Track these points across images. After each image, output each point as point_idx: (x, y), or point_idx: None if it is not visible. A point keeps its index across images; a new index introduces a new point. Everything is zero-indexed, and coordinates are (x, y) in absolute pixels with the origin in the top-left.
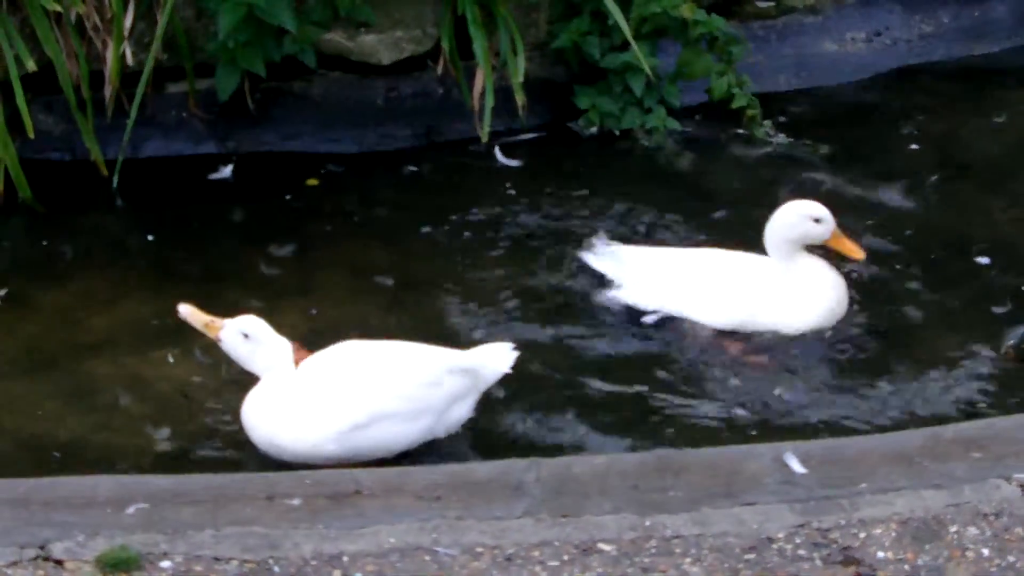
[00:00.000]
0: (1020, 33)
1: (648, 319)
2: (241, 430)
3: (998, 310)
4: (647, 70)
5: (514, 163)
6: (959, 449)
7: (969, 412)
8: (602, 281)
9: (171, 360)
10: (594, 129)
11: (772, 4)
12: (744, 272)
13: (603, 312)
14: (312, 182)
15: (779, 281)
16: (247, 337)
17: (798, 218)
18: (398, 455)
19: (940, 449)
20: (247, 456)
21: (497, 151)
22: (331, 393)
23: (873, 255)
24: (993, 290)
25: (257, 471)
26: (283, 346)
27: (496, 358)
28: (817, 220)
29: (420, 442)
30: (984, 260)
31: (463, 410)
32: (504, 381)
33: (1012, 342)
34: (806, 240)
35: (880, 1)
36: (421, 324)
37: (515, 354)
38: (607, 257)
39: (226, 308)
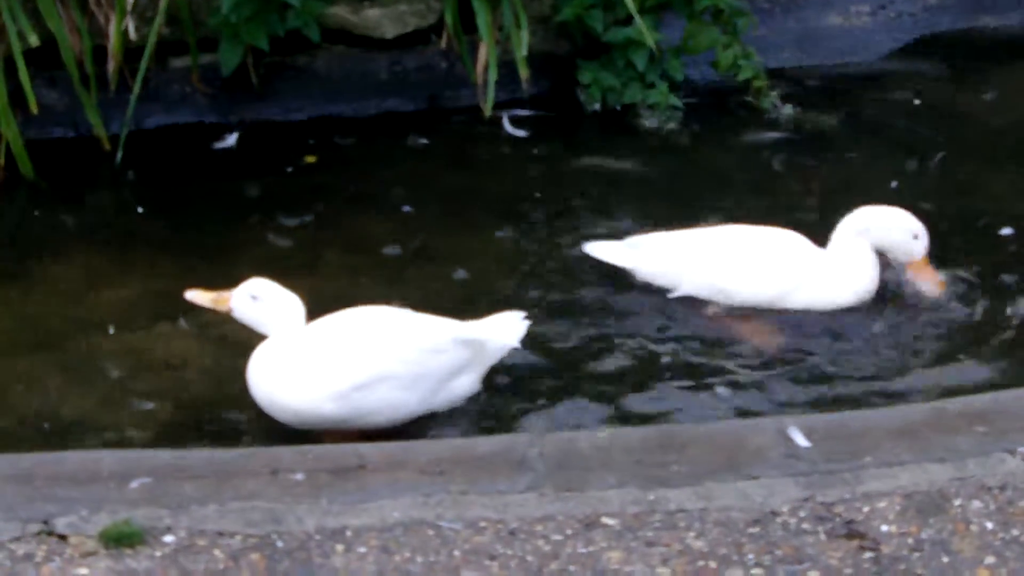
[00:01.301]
0: None
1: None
2: (246, 403)
3: (1009, 279)
4: (651, 43)
5: (521, 133)
6: (964, 423)
7: (975, 385)
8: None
9: (174, 335)
10: (596, 104)
11: None
12: (778, 249)
13: (611, 288)
14: (310, 159)
15: (814, 258)
16: (255, 299)
17: (902, 230)
18: (401, 426)
19: (945, 423)
20: (251, 431)
21: (505, 121)
22: (333, 353)
23: None
24: (1005, 261)
25: (261, 445)
26: (294, 303)
27: (504, 330)
28: (915, 236)
29: (420, 412)
30: (999, 231)
31: (468, 383)
32: (510, 356)
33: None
34: (889, 251)
35: None
36: (429, 296)
37: (525, 324)
38: (621, 249)
39: (231, 283)
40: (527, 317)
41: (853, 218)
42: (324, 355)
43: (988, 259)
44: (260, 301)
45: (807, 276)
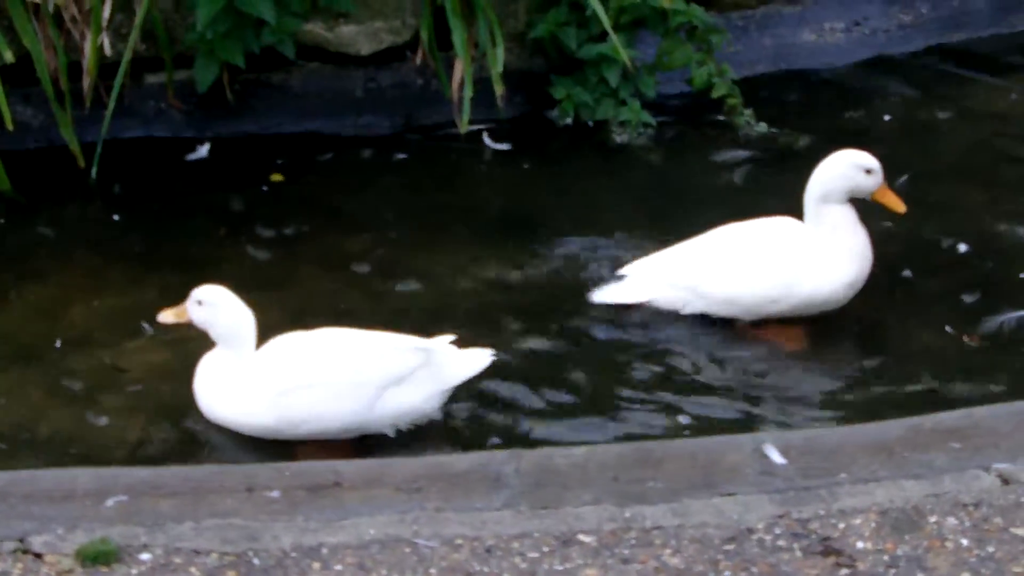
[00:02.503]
0: (998, 22)
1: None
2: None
3: (971, 298)
4: (625, 60)
5: (502, 146)
6: (939, 439)
7: (948, 402)
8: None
9: (149, 349)
10: (569, 119)
11: None
12: (775, 241)
13: (586, 304)
14: (277, 177)
15: (811, 244)
16: (201, 304)
17: (850, 168)
18: (374, 444)
19: (920, 439)
20: (227, 447)
21: (485, 136)
22: (266, 364)
23: None
24: (972, 278)
25: (238, 462)
26: (244, 315)
27: (462, 359)
28: (868, 171)
29: (359, 424)
30: (963, 248)
31: (414, 400)
32: (487, 373)
33: (987, 328)
34: (854, 192)
35: None
36: (400, 313)
37: (488, 360)
38: (625, 287)
39: None
40: (495, 354)
41: (810, 189)
42: (258, 367)
43: (954, 278)
44: (206, 307)
45: (806, 262)
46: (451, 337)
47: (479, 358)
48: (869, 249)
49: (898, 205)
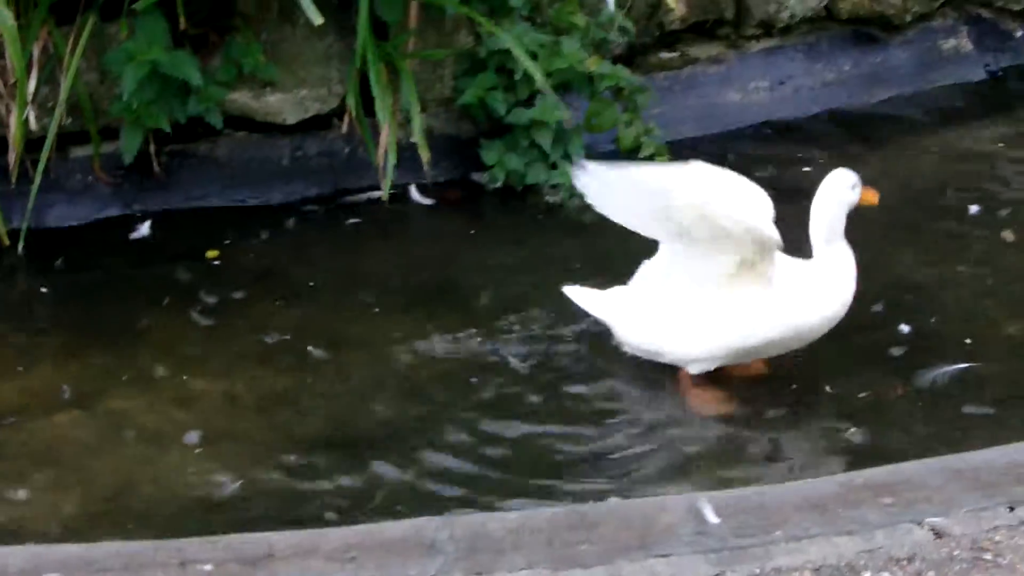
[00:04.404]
0: (920, 79)
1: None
2: (154, 492)
3: (899, 353)
4: (560, 119)
5: (427, 201)
6: (870, 495)
7: (881, 457)
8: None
9: (81, 424)
10: (499, 184)
11: (675, 55)
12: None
13: (517, 367)
14: (212, 254)
15: (807, 274)
16: None
17: (849, 189)
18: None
19: (852, 495)
20: (160, 522)
21: (412, 189)
22: None
23: None
24: (899, 334)
25: (170, 537)
26: None
27: None
28: (853, 186)
29: None
30: (890, 304)
31: None
32: (416, 438)
33: (916, 383)
34: (850, 210)
35: (783, 50)
36: (327, 387)
37: None
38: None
39: (137, 373)
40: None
41: (821, 215)
42: None
43: (881, 333)
44: None
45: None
46: None
47: None
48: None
49: (874, 197)
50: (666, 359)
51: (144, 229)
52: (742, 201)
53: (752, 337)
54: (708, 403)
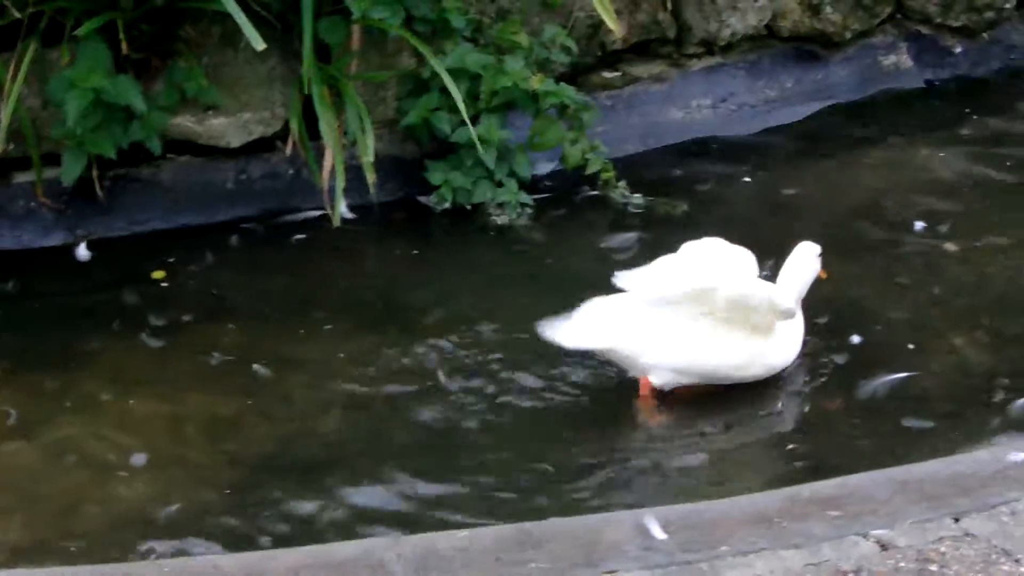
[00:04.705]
0: (861, 94)
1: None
2: (100, 519)
3: (838, 365)
4: (505, 138)
5: (350, 215)
6: (816, 508)
7: (826, 470)
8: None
9: (23, 452)
10: (447, 204)
11: (618, 74)
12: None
13: (461, 381)
14: (158, 275)
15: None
16: None
17: (816, 259)
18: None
19: (798, 509)
20: (105, 547)
21: (343, 207)
22: None
23: None
24: (837, 346)
25: (115, 561)
26: None
27: None
28: (819, 255)
29: None
30: (828, 317)
31: None
32: (362, 459)
33: (857, 395)
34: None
35: (724, 68)
36: (273, 408)
37: None
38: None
39: (81, 398)
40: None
41: (795, 282)
42: None
43: (820, 346)
44: None
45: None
46: None
47: None
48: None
49: (824, 273)
50: (640, 361)
51: (82, 252)
52: (764, 282)
53: (740, 370)
54: (657, 412)
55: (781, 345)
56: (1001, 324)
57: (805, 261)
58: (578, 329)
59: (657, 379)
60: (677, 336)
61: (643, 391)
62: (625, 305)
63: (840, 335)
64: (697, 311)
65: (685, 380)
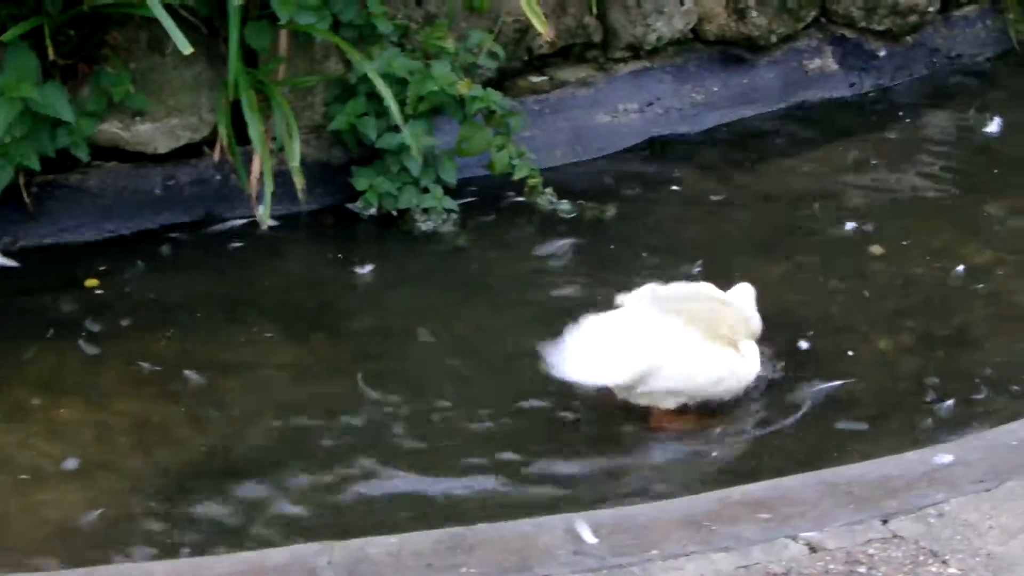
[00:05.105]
0: (787, 97)
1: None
2: (32, 533)
3: (772, 370)
4: (417, 149)
5: (274, 223)
6: (747, 511)
7: (756, 473)
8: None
9: None
10: (373, 210)
11: (545, 79)
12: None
13: (390, 387)
14: (91, 283)
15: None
16: None
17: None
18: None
19: (728, 512)
20: (34, 555)
21: (258, 211)
22: None
23: None
24: (772, 351)
25: (45, 570)
26: None
27: None
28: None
29: None
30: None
31: None
32: (288, 465)
33: (789, 401)
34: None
35: (651, 72)
36: (204, 414)
37: None
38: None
39: (8, 408)
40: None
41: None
42: None
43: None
44: None
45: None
46: None
47: None
48: None
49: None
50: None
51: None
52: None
53: (720, 383)
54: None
55: (749, 359)
56: (929, 326)
57: (749, 299)
58: (595, 362)
59: (673, 403)
60: (689, 354)
61: (665, 422)
62: (629, 328)
63: (770, 339)
64: (695, 327)
65: (684, 400)
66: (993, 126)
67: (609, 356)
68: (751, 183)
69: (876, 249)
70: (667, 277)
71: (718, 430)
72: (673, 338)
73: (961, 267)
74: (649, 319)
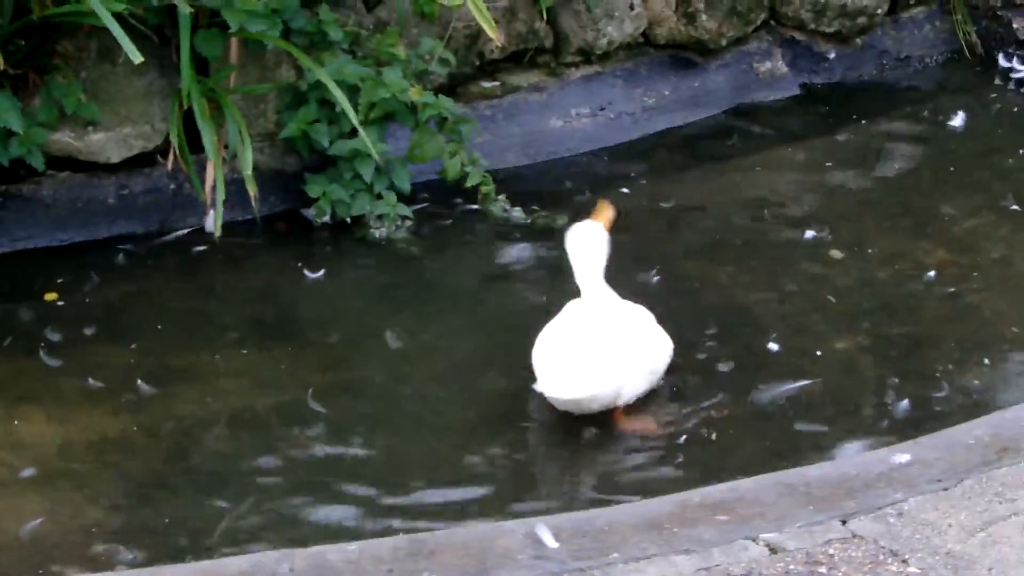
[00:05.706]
0: (736, 100)
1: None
2: None
3: (725, 371)
4: (374, 156)
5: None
6: (706, 513)
7: (715, 475)
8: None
9: None
10: (326, 217)
11: (497, 84)
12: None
13: (347, 392)
14: (51, 296)
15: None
16: None
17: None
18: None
19: (688, 514)
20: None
21: (208, 221)
22: None
23: None
24: (725, 353)
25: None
26: None
27: None
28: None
29: None
30: (712, 328)
31: None
32: (254, 471)
33: (745, 402)
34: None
35: (602, 77)
36: (161, 422)
37: None
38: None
39: None
40: None
41: (583, 266)
42: None
43: (708, 353)
44: None
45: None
46: None
47: None
48: None
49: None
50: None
51: None
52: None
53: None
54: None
55: (662, 336)
56: (886, 328)
57: (595, 239)
58: (577, 377)
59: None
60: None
61: (628, 424)
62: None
63: (728, 342)
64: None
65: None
66: (957, 120)
67: (585, 372)
68: (703, 187)
69: (834, 252)
70: (623, 284)
71: (677, 433)
72: (636, 345)
73: (917, 269)
74: (608, 328)
